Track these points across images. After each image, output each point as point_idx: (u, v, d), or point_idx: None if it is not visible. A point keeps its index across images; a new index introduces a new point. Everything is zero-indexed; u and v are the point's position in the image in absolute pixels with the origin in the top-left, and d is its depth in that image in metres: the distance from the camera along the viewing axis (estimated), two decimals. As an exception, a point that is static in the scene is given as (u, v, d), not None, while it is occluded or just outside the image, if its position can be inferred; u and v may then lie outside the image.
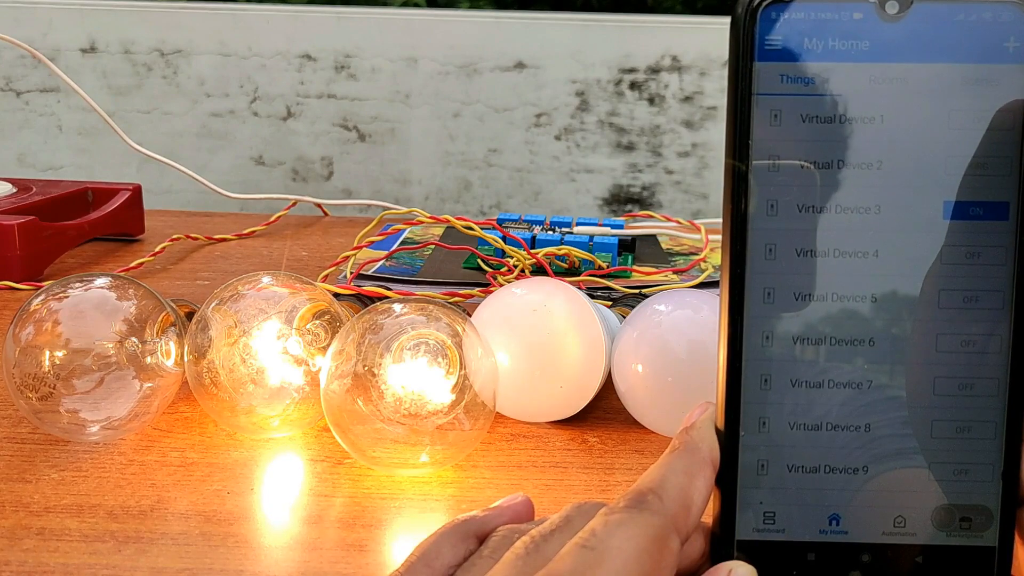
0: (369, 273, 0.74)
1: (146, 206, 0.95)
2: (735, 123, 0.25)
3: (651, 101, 1.28)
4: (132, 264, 0.81)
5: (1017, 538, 0.26)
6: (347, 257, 0.76)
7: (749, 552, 0.27)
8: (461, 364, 0.46)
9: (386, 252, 0.79)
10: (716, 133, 1.29)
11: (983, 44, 0.24)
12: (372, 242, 0.80)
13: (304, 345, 0.49)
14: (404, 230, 0.87)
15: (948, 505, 0.26)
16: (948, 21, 0.24)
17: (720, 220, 0.32)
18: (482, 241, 0.77)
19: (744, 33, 0.25)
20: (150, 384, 0.49)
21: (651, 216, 0.98)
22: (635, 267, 0.76)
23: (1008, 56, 0.24)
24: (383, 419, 0.45)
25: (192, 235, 0.90)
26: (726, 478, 0.27)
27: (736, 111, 0.25)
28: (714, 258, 0.81)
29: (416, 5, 1.55)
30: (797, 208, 0.25)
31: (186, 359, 0.48)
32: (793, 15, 0.25)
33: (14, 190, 0.87)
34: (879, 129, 0.25)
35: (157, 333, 0.50)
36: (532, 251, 0.74)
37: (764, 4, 0.25)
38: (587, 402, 0.51)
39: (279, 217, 0.99)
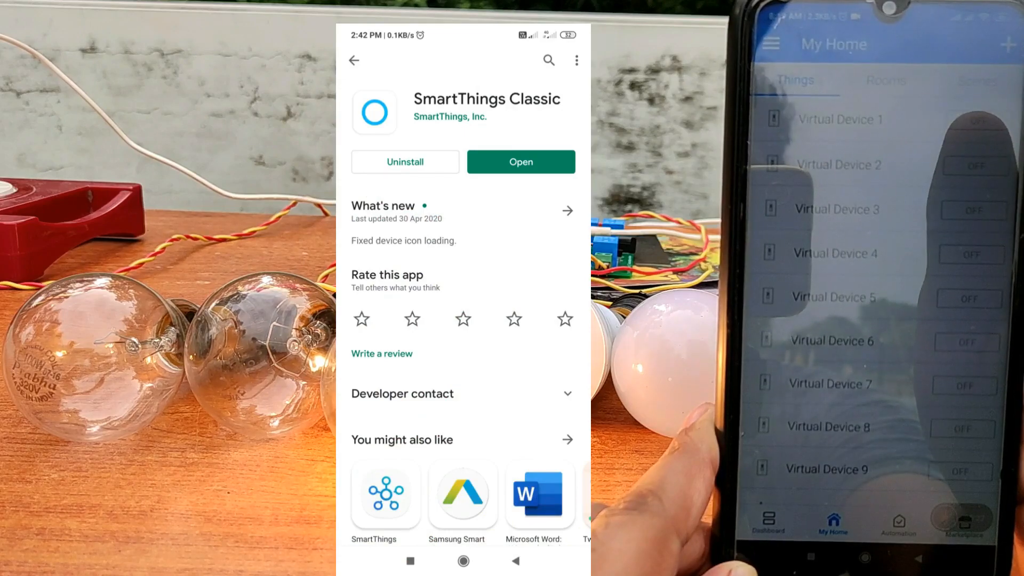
0: (369, 273, 0.74)
1: (146, 206, 0.95)
2: (733, 123, 0.25)
3: (651, 101, 1.28)
4: (132, 264, 0.81)
5: (1016, 537, 0.26)
6: (347, 257, 0.76)
7: (749, 552, 0.27)
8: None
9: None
10: (716, 133, 1.29)
11: (980, 44, 0.24)
12: (372, 242, 0.80)
13: (304, 345, 0.49)
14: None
15: (947, 504, 0.26)
16: (945, 21, 0.24)
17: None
18: (482, 241, 0.77)
19: (742, 34, 0.25)
20: (150, 384, 0.49)
21: (651, 216, 0.98)
22: (635, 267, 0.76)
23: (1005, 56, 0.24)
24: (383, 419, 0.45)
25: (192, 235, 0.90)
26: (726, 478, 0.27)
27: (734, 111, 0.25)
28: (714, 258, 0.81)
29: (416, 5, 1.55)
30: (796, 208, 0.25)
31: (186, 359, 0.48)
32: (791, 16, 0.25)
33: (14, 190, 0.87)
34: (877, 129, 0.25)
35: (157, 333, 0.50)
36: (532, 251, 0.74)
37: (762, 5, 0.25)
38: (587, 402, 0.51)
39: (279, 217, 0.99)
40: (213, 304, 0.49)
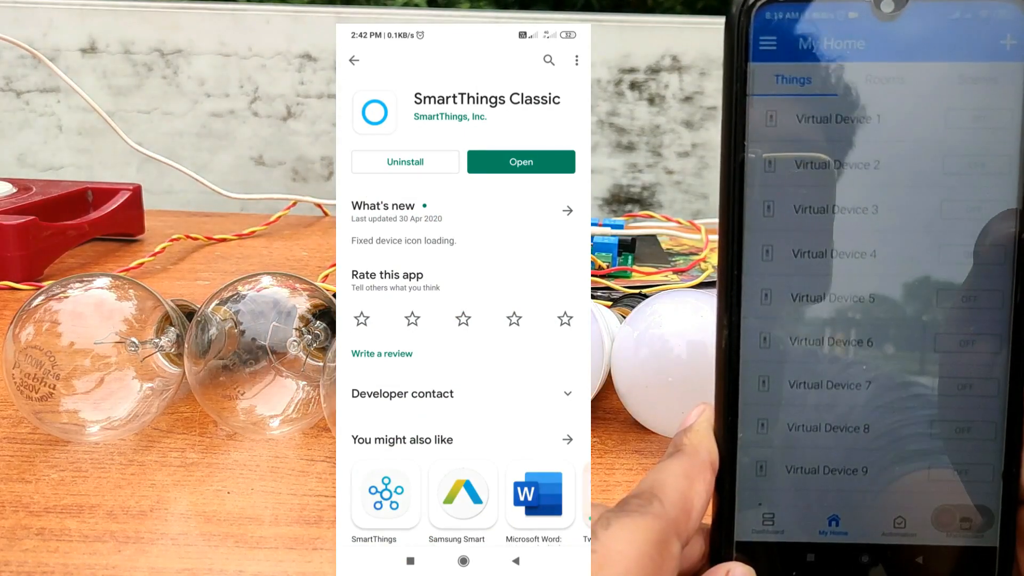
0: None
1: (146, 206, 0.95)
2: (731, 124, 0.25)
3: (651, 101, 1.28)
4: (132, 264, 0.81)
5: (1017, 538, 0.26)
6: (347, 257, 0.76)
7: (748, 553, 0.27)
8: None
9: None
10: (716, 133, 1.29)
11: (980, 42, 0.24)
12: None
13: (304, 345, 0.49)
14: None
15: (948, 505, 0.26)
16: (944, 19, 0.24)
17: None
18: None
19: (739, 33, 0.25)
20: (150, 384, 0.49)
21: (651, 216, 0.98)
22: (635, 267, 0.76)
23: (1005, 53, 0.24)
24: (383, 419, 0.45)
25: (192, 235, 0.90)
26: (725, 479, 0.27)
27: (732, 112, 0.25)
28: (714, 258, 0.81)
29: (416, 5, 1.55)
30: (794, 209, 0.25)
31: (186, 359, 0.48)
32: (788, 15, 0.25)
33: (14, 190, 0.87)
34: (876, 129, 0.25)
35: (157, 333, 0.50)
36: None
37: (758, 4, 0.24)
38: (587, 402, 0.51)
39: (279, 217, 0.98)
40: (213, 304, 0.49)
